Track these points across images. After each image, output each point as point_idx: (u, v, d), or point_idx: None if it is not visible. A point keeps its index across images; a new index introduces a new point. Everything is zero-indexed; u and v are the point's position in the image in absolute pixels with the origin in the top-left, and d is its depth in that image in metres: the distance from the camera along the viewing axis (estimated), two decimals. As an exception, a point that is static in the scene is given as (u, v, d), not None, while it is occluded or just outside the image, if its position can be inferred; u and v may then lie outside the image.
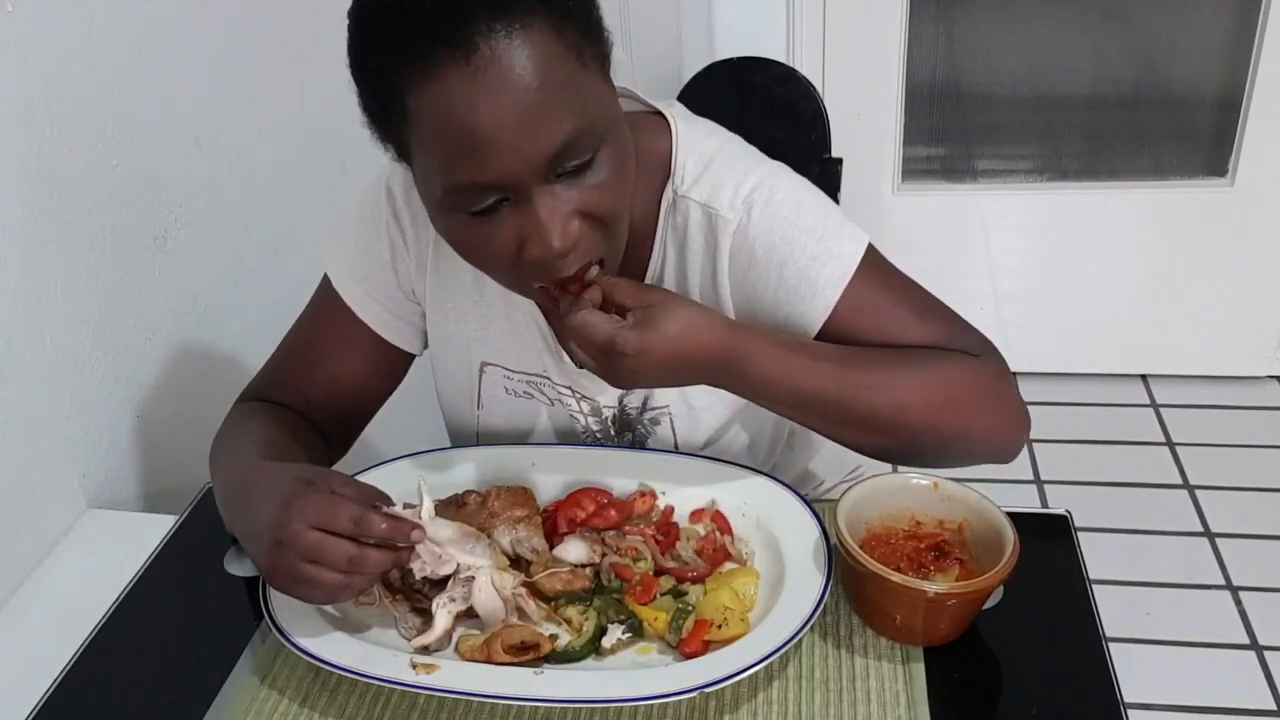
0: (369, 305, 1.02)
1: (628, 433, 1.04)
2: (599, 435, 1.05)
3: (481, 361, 1.05)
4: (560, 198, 0.77)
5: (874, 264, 0.91)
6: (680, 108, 0.97)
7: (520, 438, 1.08)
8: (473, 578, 0.85)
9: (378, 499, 0.82)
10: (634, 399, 1.02)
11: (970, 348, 0.91)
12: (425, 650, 0.83)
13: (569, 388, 1.03)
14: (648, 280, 0.95)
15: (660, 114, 0.95)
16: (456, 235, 0.82)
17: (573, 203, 0.78)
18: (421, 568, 0.83)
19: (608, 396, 1.02)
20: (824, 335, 0.90)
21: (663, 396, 1.00)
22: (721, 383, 0.86)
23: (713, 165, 0.92)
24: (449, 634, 0.85)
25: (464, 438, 1.12)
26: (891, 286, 0.92)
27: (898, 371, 0.87)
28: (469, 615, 0.88)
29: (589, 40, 0.78)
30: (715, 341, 0.83)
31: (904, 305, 0.92)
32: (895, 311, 0.91)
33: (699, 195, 0.91)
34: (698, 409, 1.01)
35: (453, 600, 0.84)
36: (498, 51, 0.71)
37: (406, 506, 0.84)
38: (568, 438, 1.07)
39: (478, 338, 1.03)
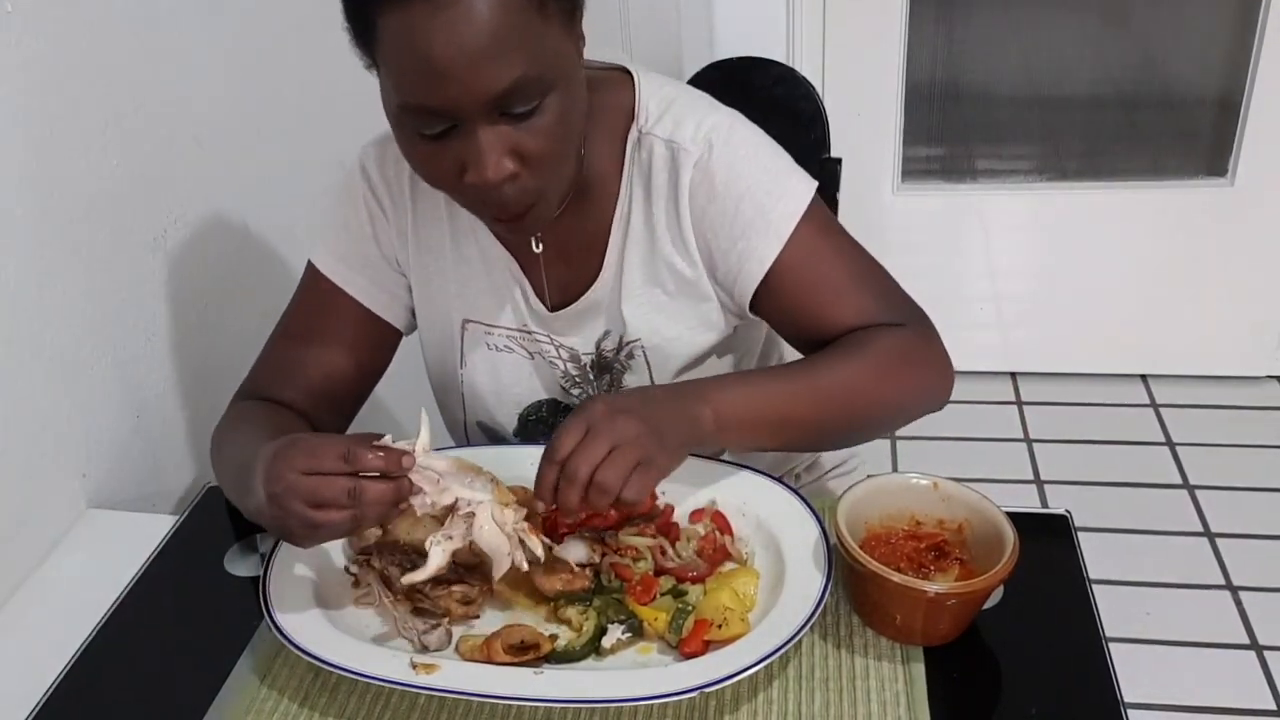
0: (353, 279, 1.05)
1: (606, 375, 1.07)
2: (578, 380, 1.08)
3: (463, 319, 1.07)
4: (501, 134, 0.82)
5: (821, 210, 0.98)
6: (642, 65, 1.01)
7: (502, 392, 1.10)
8: (473, 514, 0.83)
9: (361, 443, 0.81)
10: (610, 341, 1.04)
11: (897, 317, 0.97)
12: (417, 596, 0.84)
13: (547, 336, 1.06)
14: (616, 218, 0.99)
15: (625, 71, 1.00)
16: (407, 148, 0.87)
17: (512, 141, 0.83)
18: (423, 501, 0.81)
19: (584, 341, 1.05)
20: (765, 282, 0.96)
21: (634, 330, 1.02)
22: (699, 425, 0.88)
23: (674, 105, 0.98)
24: (452, 630, 0.85)
25: (450, 398, 1.14)
26: (832, 236, 0.99)
27: (840, 369, 0.93)
28: (468, 616, 0.88)
29: None
30: (673, 385, 0.91)
31: (842, 264, 0.98)
32: (834, 270, 0.97)
33: (662, 132, 0.97)
34: (668, 338, 1.03)
35: (449, 538, 0.82)
36: None
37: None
38: (550, 388, 1.09)
39: (457, 295, 1.06)
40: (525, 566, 0.84)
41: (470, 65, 0.78)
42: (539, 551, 0.84)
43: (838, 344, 0.95)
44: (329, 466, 0.78)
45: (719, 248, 0.97)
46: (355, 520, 0.79)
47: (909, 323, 0.97)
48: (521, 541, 0.84)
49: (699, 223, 0.97)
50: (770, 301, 0.97)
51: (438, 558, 0.82)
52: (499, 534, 0.83)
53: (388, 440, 0.81)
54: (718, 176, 0.95)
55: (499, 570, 0.84)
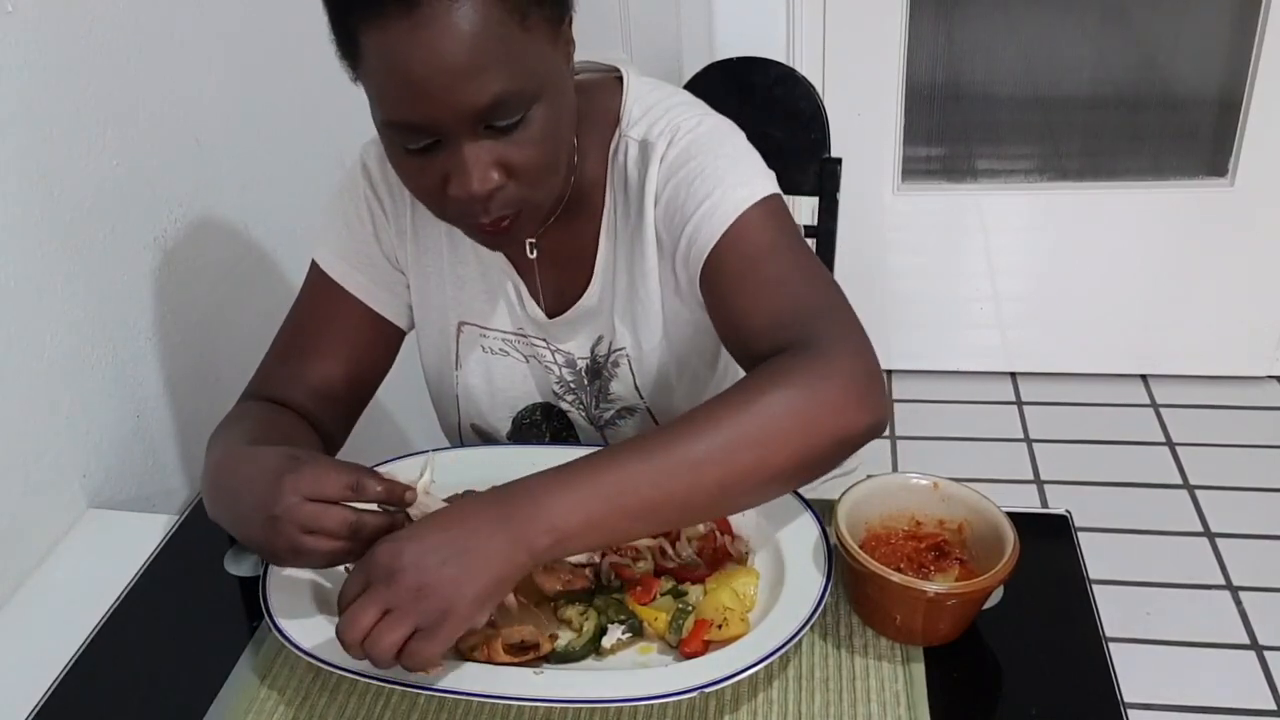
0: (355, 278, 1.05)
1: (598, 380, 1.07)
2: (572, 385, 1.08)
3: (459, 321, 1.08)
4: (485, 147, 0.82)
5: (778, 208, 0.93)
6: (635, 68, 1.01)
7: (496, 394, 1.10)
8: None
9: (367, 473, 0.81)
10: (601, 347, 1.05)
11: (808, 332, 0.84)
12: None
13: (543, 339, 1.06)
14: (604, 225, 0.99)
15: (619, 75, 0.99)
16: (394, 162, 0.87)
17: (497, 153, 0.82)
18: None
19: (580, 347, 1.05)
20: (708, 268, 0.91)
21: (620, 339, 1.03)
22: (530, 551, 0.74)
23: (655, 108, 0.97)
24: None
25: (445, 400, 1.14)
26: (781, 237, 0.91)
27: (709, 433, 0.78)
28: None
29: (538, 3, 0.80)
30: (482, 494, 0.78)
31: (775, 262, 0.89)
32: (765, 266, 0.89)
33: (637, 133, 0.96)
34: (645, 350, 1.03)
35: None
36: (438, 10, 0.76)
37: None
38: (544, 392, 1.10)
39: (454, 298, 1.07)
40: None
41: (450, 82, 0.77)
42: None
43: (715, 398, 0.81)
44: (332, 496, 0.78)
45: (673, 233, 0.94)
46: (343, 554, 0.79)
47: (815, 344, 0.82)
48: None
49: (662, 213, 0.95)
50: (708, 294, 0.93)
51: None
52: None
53: (393, 475, 0.82)
54: (677, 161, 0.93)
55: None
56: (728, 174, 0.92)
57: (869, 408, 0.81)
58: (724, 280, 0.91)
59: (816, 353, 0.82)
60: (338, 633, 0.73)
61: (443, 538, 0.73)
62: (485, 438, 1.15)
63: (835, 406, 0.80)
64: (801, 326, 0.85)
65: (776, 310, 0.87)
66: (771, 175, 0.95)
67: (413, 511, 0.81)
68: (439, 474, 0.87)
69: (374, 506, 0.81)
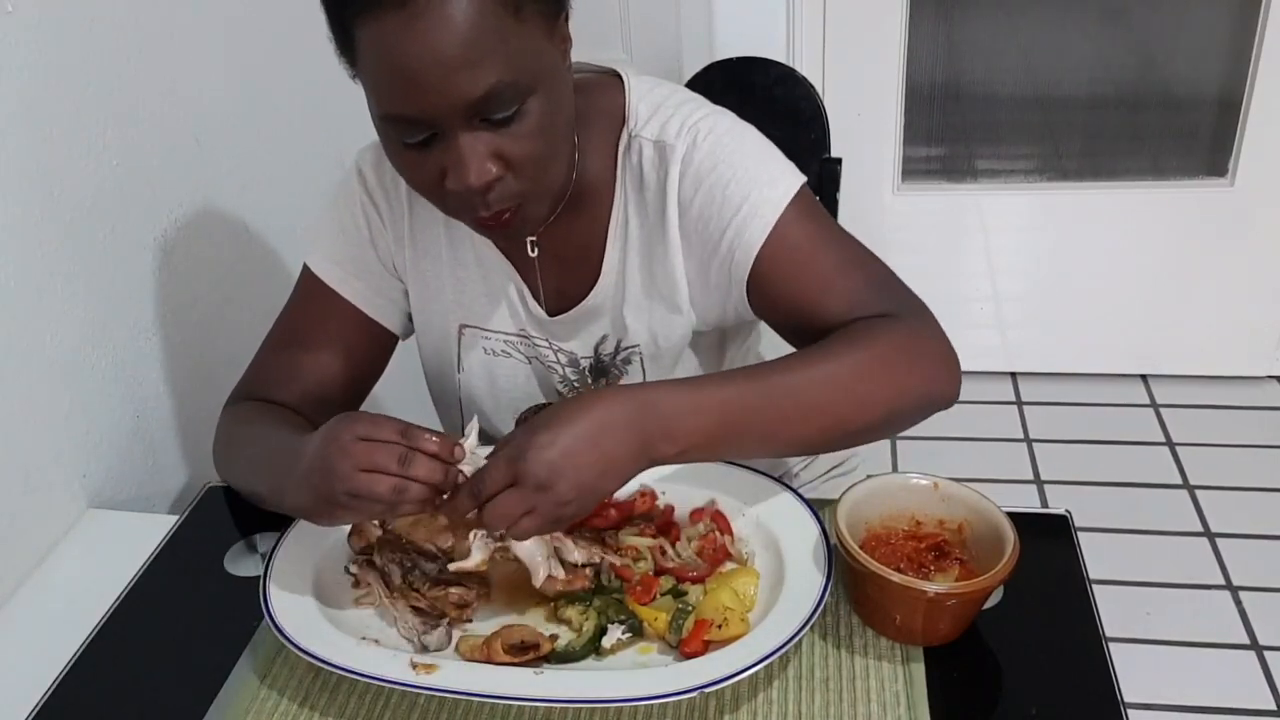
0: (351, 283, 1.05)
1: (603, 378, 1.07)
2: (576, 384, 1.08)
3: (460, 324, 1.08)
4: (481, 139, 0.82)
5: (810, 200, 0.96)
6: (633, 68, 1.01)
7: (499, 396, 1.10)
8: None
9: (417, 426, 0.82)
10: (608, 345, 1.04)
11: (890, 306, 0.92)
12: (447, 590, 0.85)
13: (546, 340, 1.05)
14: (613, 223, 0.99)
15: (617, 75, 1.00)
16: (392, 156, 0.88)
17: (493, 145, 0.83)
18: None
19: (583, 345, 1.05)
20: (757, 269, 0.93)
21: (634, 336, 1.02)
22: (653, 457, 0.81)
23: (663, 107, 0.97)
24: (452, 630, 0.85)
25: (447, 402, 1.15)
26: (823, 224, 0.96)
27: (814, 368, 0.87)
28: (461, 620, 0.88)
29: None
30: (613, 395, 0.81)
31: (832, 251, 0.95)
32: (823, 257, 0.94)
33: (650, 133, 0.96)
34: (663, 348, 1.03)
35: (491, 537, 0.84)
36: (432, 2, 0.77)
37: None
38: (547, 393, 1.10)
39: (455, 301, 1.07)
40: (561, 574, 0.86)
41: (444, 74, 0.77)
42: (576, 557, 0.86)
43: (821, 341, 0.89)
44: (385, 437, 0.79)
45: (710, 238, 0.95)
46: (397, 493, 0.79)
47: (904, 313, 0.91)
48: (557, 550, 0.86)
49: (686, 215, 0.95)
50: (761, 291, 0.95)
51: (481, 551, 0.84)
52: (537, 541, 0.84)
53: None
54: (704, 166, 0.94)
55: (537, 579, 0.85)
56: (759, 174, 0.94)
57: (954, 378, 0.91)
58: (781, 278, 0.93)
59: (907, 323, 0.91)
60: (484, 518, 0.78)
61: (587, 446, 0.78)
62: (488, 440, 1.15)
63: (929, 369, 0.90)
64: (882, 302, 0.92)
65: (851, 292, 0.93)
66: (792, 164, 0.97)
67: (464, 467, 0.81)
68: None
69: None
